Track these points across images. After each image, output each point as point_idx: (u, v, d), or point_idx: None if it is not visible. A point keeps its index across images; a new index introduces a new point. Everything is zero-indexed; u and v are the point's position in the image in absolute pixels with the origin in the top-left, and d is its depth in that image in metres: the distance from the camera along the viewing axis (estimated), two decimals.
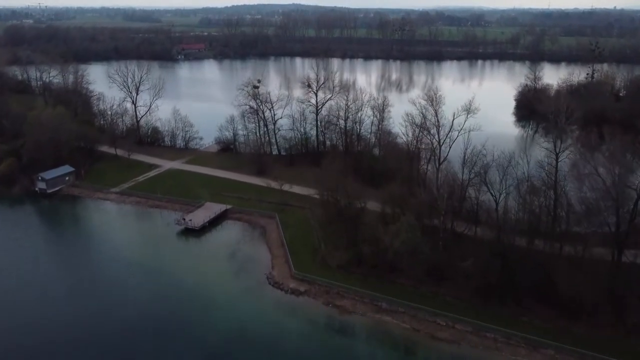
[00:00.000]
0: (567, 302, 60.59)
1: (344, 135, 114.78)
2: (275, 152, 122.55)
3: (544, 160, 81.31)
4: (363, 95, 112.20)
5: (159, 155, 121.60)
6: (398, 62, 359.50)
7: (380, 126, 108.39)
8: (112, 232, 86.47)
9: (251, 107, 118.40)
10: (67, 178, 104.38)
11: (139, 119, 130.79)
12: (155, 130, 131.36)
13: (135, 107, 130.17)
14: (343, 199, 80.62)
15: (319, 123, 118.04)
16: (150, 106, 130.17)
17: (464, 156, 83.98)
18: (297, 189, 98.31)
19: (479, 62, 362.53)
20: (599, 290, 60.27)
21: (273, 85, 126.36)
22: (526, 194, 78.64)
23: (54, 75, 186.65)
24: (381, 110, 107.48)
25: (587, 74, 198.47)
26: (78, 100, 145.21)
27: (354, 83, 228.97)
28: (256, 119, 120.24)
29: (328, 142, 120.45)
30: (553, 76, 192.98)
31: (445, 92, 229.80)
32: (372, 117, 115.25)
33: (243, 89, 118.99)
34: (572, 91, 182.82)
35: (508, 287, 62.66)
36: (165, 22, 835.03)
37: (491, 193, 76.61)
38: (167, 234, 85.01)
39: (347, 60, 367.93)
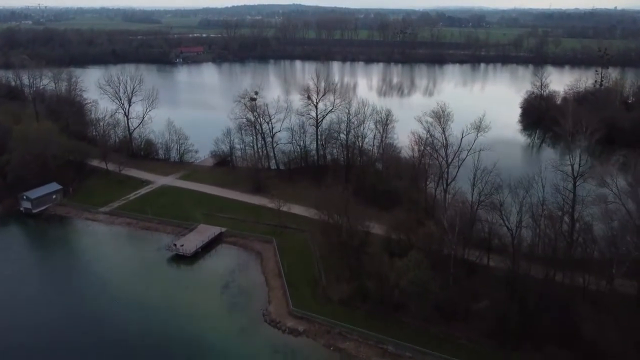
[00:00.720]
0: (591, 346, 55.35)
1: (345, 150, 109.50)
2: (273, 166, 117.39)
3: (560, 183, 75.88)
4: (365, 109, 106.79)
5: (152, 169, 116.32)
6: (399, 65, 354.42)
7: (383, 140, 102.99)
8: (99, 258, 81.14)
9: (248, 120, 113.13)
10: (54, 197, 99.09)
11: (131, 131, 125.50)
12: (149, 143, 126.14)
13: (127, 120, 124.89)
14: (345, 225, 75.33)
15: (319, 136, 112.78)
16: (143, 118, 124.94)
17: (474, 177, 78.80)
18: (296, 209, 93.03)
19: (482, 65, 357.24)
20: (625, 333, 55.00)
21: (271, 97, 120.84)
22: (541, 219, 73.54)
23: (46, 83, 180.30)
24: (384, 124, 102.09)
25: (595, 81, 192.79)
26: (69, 110, 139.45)
27: (355, 91, 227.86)
28: (253, 132, 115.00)
29: (329, 156, 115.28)
30: (557, 81, 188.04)
31: (449, 98, 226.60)
32: (374, 131, 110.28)
33: (240, 101, 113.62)
34: (579, 98, 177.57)
35: (526, 329, 57.34)
36: (165, 22, 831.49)
37: (504, 220, 71.36)
38: (157, 260, 79.72)
39: (348, 64, 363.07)
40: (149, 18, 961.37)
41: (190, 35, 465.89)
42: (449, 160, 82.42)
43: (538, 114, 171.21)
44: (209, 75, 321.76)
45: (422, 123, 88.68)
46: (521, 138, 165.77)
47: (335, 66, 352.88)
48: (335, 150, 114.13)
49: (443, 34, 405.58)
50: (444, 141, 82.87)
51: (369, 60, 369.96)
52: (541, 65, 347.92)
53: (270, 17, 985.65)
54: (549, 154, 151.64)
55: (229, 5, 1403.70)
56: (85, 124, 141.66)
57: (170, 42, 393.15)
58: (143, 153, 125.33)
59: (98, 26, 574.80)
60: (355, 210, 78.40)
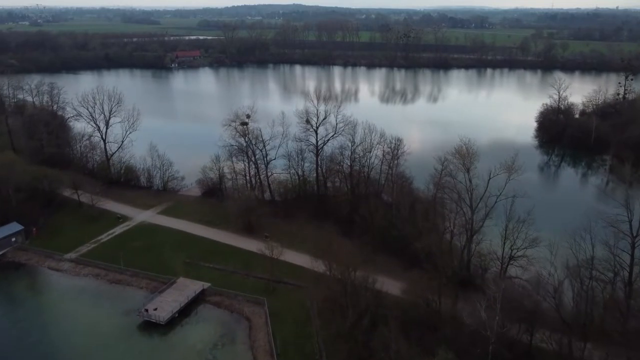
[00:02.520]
0: None
1: (349, 181, 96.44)
2: (268, 196, 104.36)
3: (611, 238, 62.69)
4: (372, 136, 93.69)
5: (131, 201, 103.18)
6: (403, 71, 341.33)
7: (392, 174, 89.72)
8: (56, 322, 68.04)
9: (239, 147, 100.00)
10: (13, 239, 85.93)
11: (109, 156, 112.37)
12: (130, 169, 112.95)
13: (105, 144, 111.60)
14: (350, 289, 62.37)
15: (319, 165, 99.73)
16: (122, 141, 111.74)
17: (506, 230, 65.80)
18: (292, 256, 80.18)
19: (488, 71, 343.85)
20: None
21: (266, 119, 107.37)
22: (589, 282, 60.56)
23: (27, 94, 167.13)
24: (394, 154, 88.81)
25: (618, 94, 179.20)
26: (44, 129, 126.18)
27: (357, 101, 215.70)
28: (245, 159, 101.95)
29: (330, 185, 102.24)
30: (570, 88, 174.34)
31: (457, 110, 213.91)
32: (381, 158, 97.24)
33: (230, 125, 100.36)
34: (601, 113, 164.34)
35: None
36: (164, 23, 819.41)
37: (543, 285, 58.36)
38: (125, 327, 66.51)
39: (349, 69, 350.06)
40: (148, 19, 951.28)
41: (187, 37, 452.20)
42: (474, 206, 69.15)
43: (557, 130, 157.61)
44: (205, 81, 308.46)
45: (441, 162, 75.52)
46: (538, 156, 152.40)
47: (336, 72, 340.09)
48: (337, 179, 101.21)
49: (447, 37, 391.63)
50: (468, 183, 69.57)
51: (371, 65, 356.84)
52: (550, 71, 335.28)
53: (270, 17, 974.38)
54: (571, 175, 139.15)
55: (229, 5, 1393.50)
56: (63, 144, 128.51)
57: (165, 45, 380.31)
58: (123, 179, 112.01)
59: (95, 27, 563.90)
60: (361, 263, 65.71)
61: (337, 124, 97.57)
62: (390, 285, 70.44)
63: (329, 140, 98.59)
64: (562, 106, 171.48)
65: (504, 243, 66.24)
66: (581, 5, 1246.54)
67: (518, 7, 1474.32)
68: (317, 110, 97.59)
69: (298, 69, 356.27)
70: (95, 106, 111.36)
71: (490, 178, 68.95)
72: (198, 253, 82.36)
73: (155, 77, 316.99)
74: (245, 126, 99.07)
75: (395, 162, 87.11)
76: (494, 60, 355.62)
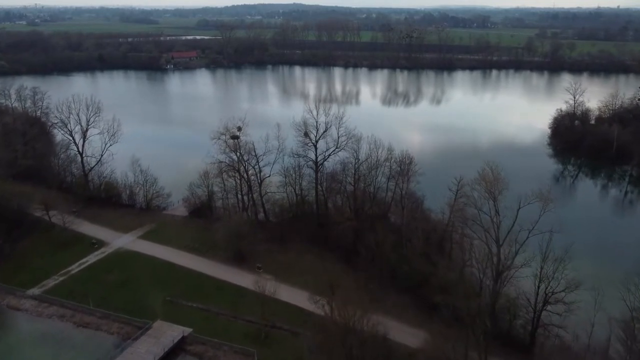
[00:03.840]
0: None
1: (352, 201, 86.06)
2: (262, 216, 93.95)
3: None
4: (379, 152, 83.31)
5: (109, 222, 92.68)
6: (405, 72, 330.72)
7: (402, 194, 79.16)
8: None
9: (230, 163, 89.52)
10: None
11: (87, 172, 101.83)
12: (110, 185, 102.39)
13: (82, 158, 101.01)
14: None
15: (319, 183, 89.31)
16: (102, 155, 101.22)
17: (541, 271, 55.42)
18: (289, 292, 69.91)
19: (493, 72, 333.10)
20: None
21: (260, 132, 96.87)
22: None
23: (5, 101, 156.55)
24: (404, 173, 78.26)
25: (638, 99, 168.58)
26: (20, 141, 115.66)
27: (360, 107, 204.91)
28: (237, 176, 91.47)
29: (331, 205, 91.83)
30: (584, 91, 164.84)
31: (465, 114, 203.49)
32: (388, 174, 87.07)
33: (219, 138, 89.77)
34: (619, 119, 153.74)
35: None
36: (163, 23, 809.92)
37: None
38: None
39: (351, 70, 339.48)
40: (146, 18, 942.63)
41: (184, 37, 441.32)
42: (501, 240, 58.68)
43: (573, 138, 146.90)
44: (200, 84, 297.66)
45: (456, 181, 65.11)
46: (552, 166, 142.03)
47: (337, 73, 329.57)
48: (339, 197, 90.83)
49: (451, 38, 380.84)
50: (493, 213, 59.05)
51: (373, 66, 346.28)
52: (557, 72, 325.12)
53: (270, 17, 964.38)
54: (590, 187, 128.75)
55: (229, 4, 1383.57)
56: (40, 156, 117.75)
57: (161, 46, 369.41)
58: (104, 196, 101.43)
59: (91, 27, 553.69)
60: (368, 303, 55.66)
61: (338, 138, 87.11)
62: (403, 334, 60.33)
63: (329, 155, 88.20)
64: (577, 112, 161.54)
65: (538, 286, 55.91)
66: (582, 4, 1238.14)
67: (519, 6, 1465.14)
68: (317, 122, 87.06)
69: (297, 70, 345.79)
70: (71, 116, 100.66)
71: (519, 208, 58.45)
72: (180, 289, 71.91)
73: (149, 79, 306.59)
74: (236, 140, 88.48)
75: (406, 183, 76.48)
76: (499, 61, 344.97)
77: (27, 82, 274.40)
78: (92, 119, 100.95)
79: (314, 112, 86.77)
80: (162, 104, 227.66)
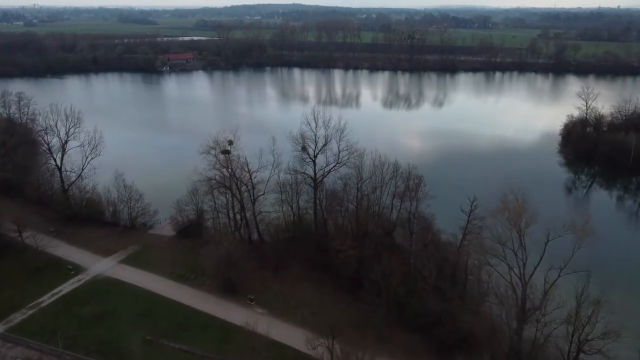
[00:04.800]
0: None
1: (354, 221, 78.37)
2: (256, 236, 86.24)
3: None
4: (384, 169, 75.61)
5: (89, 243, 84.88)
6: (407, 74, 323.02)
7: (410, 217, 71.42)
8: None
9: (220, 181, 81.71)
10: None
11: (67, 187, 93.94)
12: (92, 201, 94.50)
13: (60, 173, 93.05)
14: None
15: (318, 202, 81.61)
16: (82, 169, 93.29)
17: (575, 316, 47.77)
18: (283, 330, 62.21)
19: (497, 74, 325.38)
20: None
21: (255, 138, 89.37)
22: None
23: None
24: (413, 195, 70.48)
25: None
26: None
27: (361, 109, 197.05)
28: (229, 195, 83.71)
29: (331, 224, 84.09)
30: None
31: (471, 119, 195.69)
32: (393, 192, 79.61)
33: (209, 152, 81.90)
34: (634, 125, 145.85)
35: None
36: (161, 23, 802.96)
37: None
38: None
39: (351, 72, 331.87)
40: (145, 19, 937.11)
41: (181, 38, 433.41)
42: (527, 278, 50.96)
43: (586, 146, 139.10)
44: (196, 87, 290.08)
45: (469, 202, 57.40)
46: (562, 175, 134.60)
47: (337, 76, 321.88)
48: (340, 217, 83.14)
49: (454, 38, 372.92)
50: (518, 248, 51.30)
51: (374, 68, 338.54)
52: (562, 75, 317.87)
53: (269, 17, 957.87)
54: (605, 199, 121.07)
55: (228, 4, 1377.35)
56: (21, 168, 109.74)
57: (157, 47, 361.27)
58: (85, 213, 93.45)
59: (88, 28, 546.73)
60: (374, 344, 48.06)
61: (339, 152, 79.38)
62: None
63: (330, 171, 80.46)
64: (590, 118, 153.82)
65: (572, 334, 48.22)
66: (582, 4, 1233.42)
67: (519, 6, 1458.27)
68: (316, 135, 79.30)
69: (297, 72, 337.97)
70: (48, 128, 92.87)
71: (548, 241, 50.74)
72: (163, 326, 64.06)
73: (145, 82, 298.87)
74: (226, 155, 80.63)
75: (414, 205, 68.67)
76: (503, 63, 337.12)
77: (19, 85, 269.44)
78: (71, 131, 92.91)
79: (313, 125, 78.94)
80: (155, 109, 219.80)
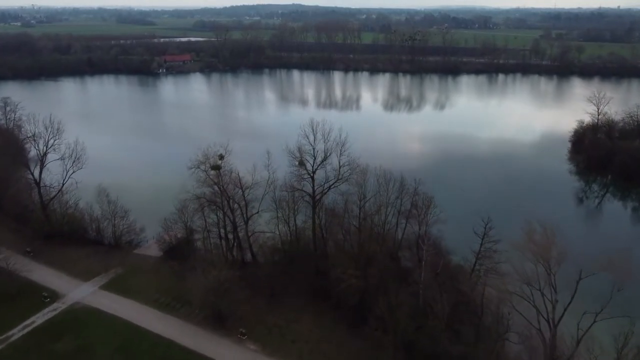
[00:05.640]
0: None
1: (357, 245, 71.65)
2: (249, 256, 79.69)
3: None
4: (389, 187, 68.96)
5: (68, 266, 78.34)
6: (408, 76, 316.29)
7: (420, 242, 64.78)
8: None
9: (210, 199, 75.02)
10: None
11: (45, 203, 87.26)
12: (73, 218, 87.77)
13: (39, 188, 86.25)
14: None
15: (317, 221, 75.02)
16: (63, 184, 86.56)
17: None
18: None
19: (500, 76, 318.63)
20: None
21: (250, 145, 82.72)
22: None
23: None
24: (422, 218, 63.81)
25: None
26: None
27: (360, 108, 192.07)
28: (220, 214, 77.09)
29: (331, 244, 77.52)
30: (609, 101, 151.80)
31: (474, 119, 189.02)
32: (399, 209, 73.21)
33: (198, 167, 75.19)
34: None
35: None
36: (160, 24, 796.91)
37: None
38: None
39: (351, 74, 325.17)
40: (144, 19, 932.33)
41: (178, 39, 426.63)
42: (555, 321, 44.34)
43: (599, 154, 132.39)
44: (194, 89, 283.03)
45: (483, 223, 50.80)
46: (573, 184, 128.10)
47: (337, 78, 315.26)
48: (340, 237, 76.53)
49: (456, 39, 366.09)
50: (545, 286, 44.68)
51: (374, 70, 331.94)
52: (567, 77, 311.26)
53: (269, 17, 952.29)
54: (620, 211, 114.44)
55: (228, 5, 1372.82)
56: (3, 180, 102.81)
57: (153, 49, 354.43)
58: (66, 230, 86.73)
59: (85, 29, 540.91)
60: None
61: (340, 168, 72.72)
62: None
63: (330, 188, 73.83)
64: (601, 124, 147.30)
65: None
66: (582, 4, 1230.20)
67: (519, 6, 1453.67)
68: (314, 149, 72.62)
69: (296, 74, 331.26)
70: (26, 140, 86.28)
71: (580, 279, 44.12)
72: None
73: (140, 85, 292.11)
74: (217, 171, 73.99)
75: (424, 229, 62.05)
76: (506, 65, 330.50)
77: (10, 88, 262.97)
78: (51, 142, 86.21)
79: (311, 138, 72.28)
80: (148, 113, 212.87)
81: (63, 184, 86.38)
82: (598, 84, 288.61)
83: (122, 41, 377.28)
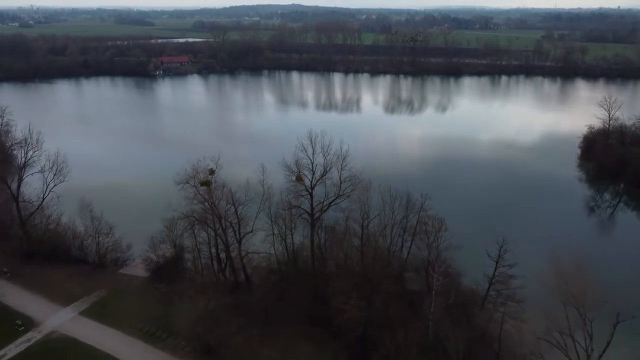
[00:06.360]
0: None
1: (360, 267, 65.89)
2: (242, 278, 73.83)
3: None
4: (395, 205, 63.14)
5: (47, 288, 72.38)
6: (409, 78, 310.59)
7: (431, 266, 58.91)
8: None
9: (199, 217, 69.14)
10: None
11: (24, 219, 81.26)
12: (55, 235, 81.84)
13: (17, 204, 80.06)
14: None
15: (316, 240, 69.20)
16: (43, 198, 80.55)
17: None
18: None
19: (503, 78, 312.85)
20: None
21: (242, 158, 76.96)
22: None
23: None
24: (432, 242, 57.97)
25: None
26: None
27: (361, 110, 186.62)
28: (211, 232, 71.25)
29: (332, 265, 71.79)
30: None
31: (479, 123, 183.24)
32: (405, 227, 67.46)
33: (187, 182, 69.24)
34: None
35: None
36: (159, 24, 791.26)
37: None
38: None
39: (351, 76, 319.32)
40: (143, 20, 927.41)
41: (175, 40, 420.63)
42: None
43: (611, 161, 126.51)
44: (191, 92, 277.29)
45: (498, 246, 44.93)
46: (582, 191, 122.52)
47: (337, 80, 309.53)
48: (342, 256, 70.77)
49: (458, 40, 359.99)
50: (576, 329, 38.86)
51: (375, 71, 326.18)
52: (571, 79, 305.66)
53: (268, 18, 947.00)
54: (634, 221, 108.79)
55: (227, 5, 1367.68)
56: None
57: (150, 50, 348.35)
58: (47, 248, 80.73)
59: (82, 29, 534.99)
60: None
61: (341, 184, 66.82)
62: None
63: (330, 205, 67.95)
64: (612, 129, 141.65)
65: None
66: (582, 4, 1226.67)
67: (520, 7, 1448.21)
68: (313, 163, 66.72)
69: (295, 76, 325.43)
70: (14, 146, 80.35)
71: (617, 323, 38.30)
72: None
73: (136, 87, 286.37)
74: (207, 187, 68.06)
75: (434, 255, 56.16)
76: (509, 66, 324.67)
77: (3, 90, 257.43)
78: (30, 154, 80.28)
79: (309, 151, 66.41)
80: (141, 117, 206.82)
81: (43, 198, 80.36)
82: (603, 86, 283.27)
83: (118, 42, 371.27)
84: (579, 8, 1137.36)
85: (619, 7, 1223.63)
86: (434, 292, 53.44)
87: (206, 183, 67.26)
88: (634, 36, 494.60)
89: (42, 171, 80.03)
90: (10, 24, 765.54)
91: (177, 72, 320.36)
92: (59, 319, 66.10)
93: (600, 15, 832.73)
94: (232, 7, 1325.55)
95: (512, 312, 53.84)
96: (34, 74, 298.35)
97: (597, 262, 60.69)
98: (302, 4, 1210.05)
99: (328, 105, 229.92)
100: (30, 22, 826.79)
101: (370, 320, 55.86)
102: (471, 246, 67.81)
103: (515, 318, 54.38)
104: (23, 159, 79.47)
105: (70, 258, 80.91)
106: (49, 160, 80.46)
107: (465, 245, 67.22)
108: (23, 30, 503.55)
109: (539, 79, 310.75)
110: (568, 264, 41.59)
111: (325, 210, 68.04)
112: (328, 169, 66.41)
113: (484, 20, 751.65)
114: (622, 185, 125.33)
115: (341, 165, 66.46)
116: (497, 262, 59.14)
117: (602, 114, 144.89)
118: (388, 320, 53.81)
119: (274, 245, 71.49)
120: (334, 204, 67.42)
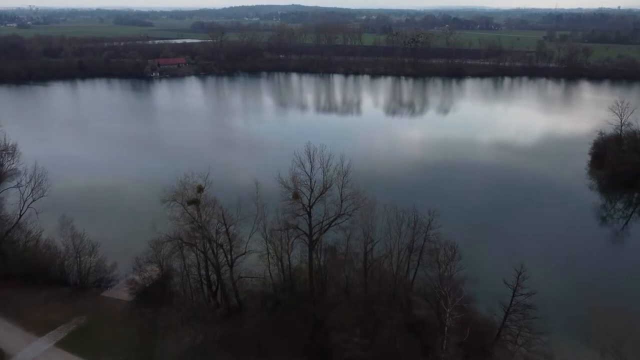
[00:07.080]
0: None
1: (363, 298, 59.98)
2: (235, 302, 67.94)
3: None
4: (401, 227, 57.18)
5: (21, 314, 66.45)
6: (411, 80, 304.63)
7: (444, 299, 52.86)
8: None
9: (188, 240, 63.13)
10: None
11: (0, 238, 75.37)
12: (34, 254, 75.83)
13: None
14: None
15: (315, 264, 63.31)
16: (20, 215, 74.66)
17: None
18: None
19: (506, 80, 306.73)
20: None
21: (237, 166, 71.02)
22: None
23: None
24: (443, 273, 52.07)
25: None
26: None
27: (361, 113, 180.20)
28: (201, 255, 65.29)
29: (332, 289, 65.99)
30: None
31: (483, 127, 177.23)
32: (412, 245, 61.57)
33: (174, 200, 63.22)
34: None
35: None
36: (158, 25, 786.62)
37: None
38: None
39: (351, 78, 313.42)
40: (142, 20, 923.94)
41: (173, 41, 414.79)
42: None
43: (626, 169, 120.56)
44: (188, 94, 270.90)
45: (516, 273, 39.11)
46: (593, 199, 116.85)
47: (337, 82, 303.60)
48: (343, 281, 64.93)
49: (460, 41, 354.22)
50: None
51: (376, 73, 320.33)
52: (575, 80, 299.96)
53: (268, 18, 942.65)
54: None
55: (227, 6, 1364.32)
56: None
57: (147, 51, 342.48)
58: (23, 269, 74.67)
59: (79, 30, 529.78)
60: None
61: (342, 201, 60.88)
62: None
63: (330, 226, 62.01)
64: (625, 136, 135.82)
65: None
66: (583, 5, 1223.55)
67: (520, 7, 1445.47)
68: (311, 179, 60.76)
69: (294, 78, 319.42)
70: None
71: None
72: None
73: (132, 89, 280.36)
74: (195, 205, 62.10)
75: (448, 289, 50.12)
76: (512, 68, 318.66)
77: None
78: (6, 166, 74.36)
79: (307, 166, 60.45)
80: (135, 121, 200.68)
81: (20, 215, 74.45)
82: (609, 88, 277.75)
83: (115, 43, 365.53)
84: (579, 8, 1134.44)
85: (619, 7, 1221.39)
86: (446, 329, 47.57)
87: (194, 202, 61.25)
88: (636, 37, 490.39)
89: (18, 186, 74.03)
90: (8, 25, 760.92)
91: (174, 74, 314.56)
92: (32, 351, 60.16)
93: (601, 16, 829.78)
94: (231, 8, 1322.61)
95: (532, 345, 48.34)
96: (28, 75, 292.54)
97: (611, 275, 54.75)
98: (302, 4, 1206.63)
99: (328, 108, 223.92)
100: (29, 22, 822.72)
101: (375, 358, 49.97)
102: (481, 266, 61.89)
103: (535, 352, 49.02)
104: None
105: (50, 279, 74.85)
106: (26, 175, 74.48)
107: (474, 263, 61.45)
108: (20, 31, 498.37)
109: (543, 80, 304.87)
110: (607, 313, 35.95)
111: (325, 231, 62.09)
112: (328, 185, 60.45)
113: (484, 20, 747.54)
114: (636, 195, 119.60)
115: (342, 181, 60.49)
116: (514, 290, 53.44)
117: (613, 118, 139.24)
118: (395, 359, 47.92)
119: (269, 267, 65.59)
120: (335, 224, 61.42)
